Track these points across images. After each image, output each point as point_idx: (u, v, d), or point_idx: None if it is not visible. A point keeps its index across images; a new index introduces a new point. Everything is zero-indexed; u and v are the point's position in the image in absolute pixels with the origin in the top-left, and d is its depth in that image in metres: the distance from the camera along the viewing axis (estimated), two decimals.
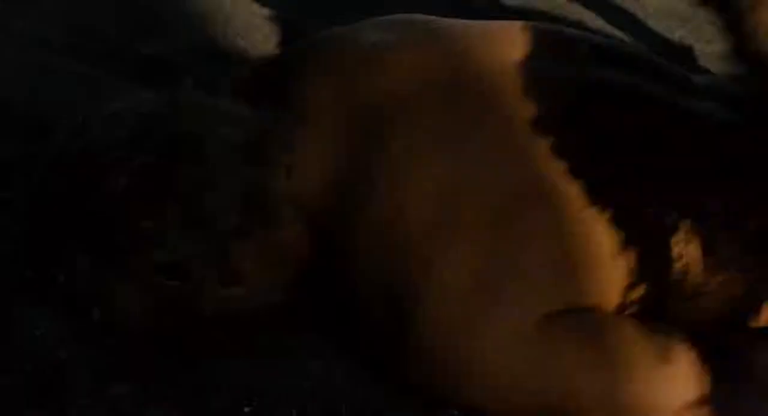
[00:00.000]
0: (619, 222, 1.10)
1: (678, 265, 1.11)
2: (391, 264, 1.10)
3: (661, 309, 1.13)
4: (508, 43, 1.20)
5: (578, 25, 1.57)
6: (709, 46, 1.71)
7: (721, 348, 1.10)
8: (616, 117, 1.14)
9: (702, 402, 1.07)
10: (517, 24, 1.23)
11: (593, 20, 1.54)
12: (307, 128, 1.17)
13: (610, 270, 1.10)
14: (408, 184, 1.11)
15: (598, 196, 1.10)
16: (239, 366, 1.16)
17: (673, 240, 1.10)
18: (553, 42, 1.21)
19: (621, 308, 1.12)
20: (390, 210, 1.11)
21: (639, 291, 1.11)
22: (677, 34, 1.70)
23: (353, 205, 1.13)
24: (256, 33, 1.86)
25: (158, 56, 1.69)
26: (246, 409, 1.12)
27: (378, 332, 1.13)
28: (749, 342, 1.12)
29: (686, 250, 1.10)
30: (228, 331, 1.16)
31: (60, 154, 1.16)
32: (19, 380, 1.10)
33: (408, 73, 1.18)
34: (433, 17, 1.28)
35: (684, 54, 1.69)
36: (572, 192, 1.10)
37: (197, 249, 1.12)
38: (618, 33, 1.64)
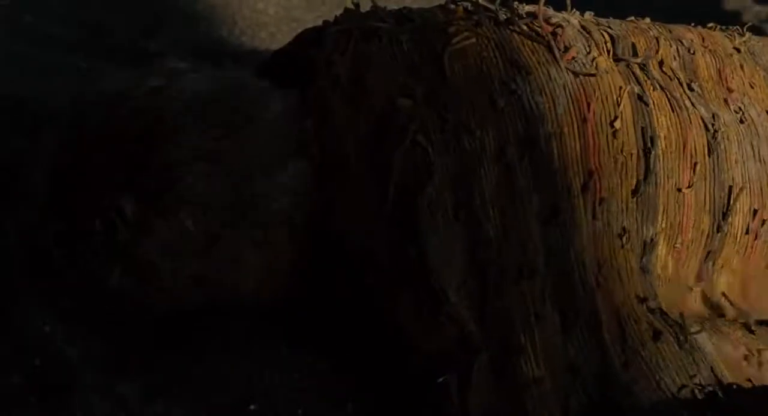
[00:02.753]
0: None
1: None
2: None
3: None
4: None
5: None
6: None
7: None
8: None
9: None
10: None
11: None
12: None
13: None
14: None
15: None
16: (246, 363, 1.16)
17: None
18: None
19: None
20: None
21: None
22: None
23: None
24: (262, 31, 1.87)
25: (164, 53, 1.70)
26: (251, 407, 1.12)
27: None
28: None
29: None
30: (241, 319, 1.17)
31: (124, 98, 1.16)
32: (26, 375, 1.10)
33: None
34: None
35: None
36: None
37: (235, 226, 1.13)
38: None
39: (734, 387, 1.09)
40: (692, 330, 1.11)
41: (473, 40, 1.15)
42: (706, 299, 1.19)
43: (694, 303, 1.18)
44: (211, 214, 1.12)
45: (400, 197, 1.11)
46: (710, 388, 1.08)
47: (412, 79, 1.14)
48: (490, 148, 1.11)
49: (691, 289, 1.18)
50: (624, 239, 1.12)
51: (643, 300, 1.11)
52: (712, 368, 1.09)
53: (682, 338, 1.10)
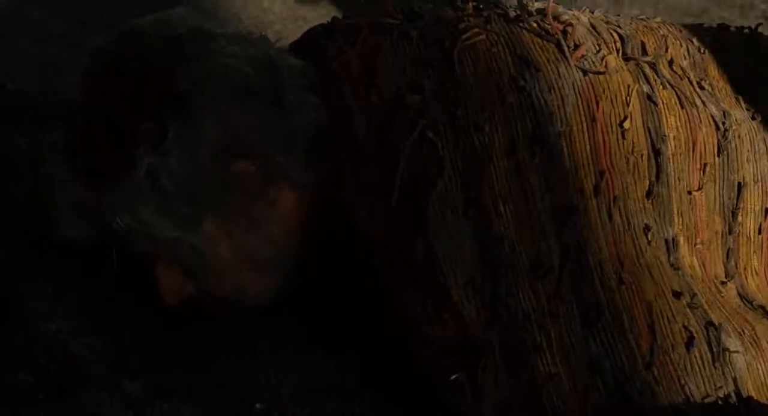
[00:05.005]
0: None
1: None
2: None
3: None
4: None
5: None
6: None
7: None
8: None
9: None
10: None
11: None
12: None
13: None
14: None
15: None
16: (252, 362, 1.16)
17: None
18: None
19: None
20: None
21: None
22: None
23: None
24: (267, 29, 1.86)
25: None
26: (258, 405, 1.12)
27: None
28: None
29: None
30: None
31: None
32: (34, 374, 1.11)
33: None
34: None
35: None
36: None
37: (274, 150, 1.15)
38: None
39: (758, 403, 1.06)
40: (729, 344, 1.07)
41: (483, 36, 1.15)
42: (741, 295, 1.17)
43: (730, 298, 1.15)
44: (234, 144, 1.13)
45: (408, 191, 1.11)
46: (733, 402, 1.06)
47: (421, 74, 1.14)
48: (499, 145, 1.11)
49: (725, 284, 1.16)
50: (649, 236, 1.11)
51: (678, 294, 1.08)
52: (738, 386, 1.06)
53: (716, 350, 1.07)
